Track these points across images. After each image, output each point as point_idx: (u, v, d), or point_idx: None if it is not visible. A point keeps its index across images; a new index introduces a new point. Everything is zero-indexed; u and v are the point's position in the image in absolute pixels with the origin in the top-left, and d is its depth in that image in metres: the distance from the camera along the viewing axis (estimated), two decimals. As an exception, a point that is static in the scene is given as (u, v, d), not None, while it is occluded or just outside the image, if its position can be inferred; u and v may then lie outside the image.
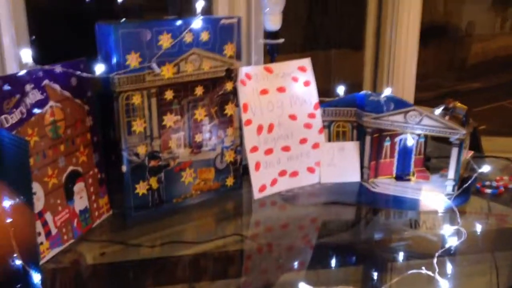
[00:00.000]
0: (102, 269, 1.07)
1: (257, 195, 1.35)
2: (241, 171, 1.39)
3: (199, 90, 1.25)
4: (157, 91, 1.18)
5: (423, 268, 0.96)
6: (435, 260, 1.02)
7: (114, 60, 1.11)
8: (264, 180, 1.37)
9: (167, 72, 1.18)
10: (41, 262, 1.03)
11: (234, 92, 1.32)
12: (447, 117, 1.33)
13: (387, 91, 1.37)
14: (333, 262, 1.10)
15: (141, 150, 1.19)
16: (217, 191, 1.35)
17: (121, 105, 1.14)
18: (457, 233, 1.17)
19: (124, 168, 1.17)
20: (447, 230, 1.19)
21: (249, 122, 1.33)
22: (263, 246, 1.17)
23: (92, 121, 1.17)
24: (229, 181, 1.37)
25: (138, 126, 1.17)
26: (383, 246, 1.18)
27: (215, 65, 1.27)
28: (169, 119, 1.22)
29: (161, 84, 1.18)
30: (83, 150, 1.15)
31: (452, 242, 1.13)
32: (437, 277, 0.96)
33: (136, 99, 1.15)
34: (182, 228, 1.23)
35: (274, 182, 1.39)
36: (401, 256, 1.12)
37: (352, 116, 1.46)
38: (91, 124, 1.17)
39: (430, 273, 0.96)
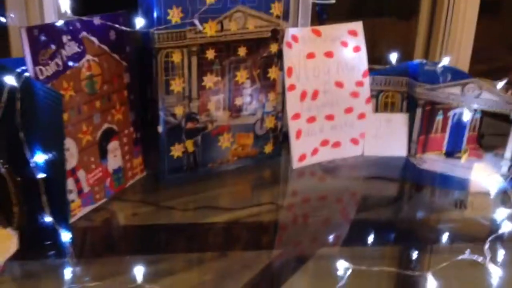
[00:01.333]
0: (133, 230, 1.05)
1: (296, 164, 1.29)
2: (280, 138, 1.33)
3: (242, 51, 1.18)
4: (198, 50, 1.12)
5: (470, 252, 0.89)
6: (486, 246, 0.95)
7: (155, 15, 1.05)
8: (305, 149, 1.30)
9: (209, 29, 1.12)
10: (72, 219, 1.01)
11: (279, 54, 1.24)
12: (509, 92, 1.22)
13: (445, 61, 1.27)
14: (370, 239, 1.03)
15: (179, 111, 1.14)
16: (254, 158, 1.30)
17: (160, 63, 1.08)
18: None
19: (160, 129, 1.13)
20: (499, 213, 1.10)
21: (292, 87, 1.26)
22: (298, 217, 1.12)
23: (129, 78, 1.13)
24: (268, 148, 1.32)
25: (176, 85, 1.12)
26: (426, 226, 1.11)
27: (261, 24, 1.19)
28: (209, 80, 1.16)
29: (202, 42, 1.12)
30: (119, 108, 1.11)
31: (506, 227, 1.04)
32: (489, 264, 0.89)
33: (176, 57, 1.10)
34: (216, 193, 1.18)
35: (315, 151, 1.32)
36: (444, 238, 1.04)
37: (403, 86, 1.37)
38: (129, 81, 1.13)
39: (481, 259, 0.89)
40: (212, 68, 1.16)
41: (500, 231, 1.02)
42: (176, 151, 1.17)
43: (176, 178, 1.19)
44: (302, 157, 1.30)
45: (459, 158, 1.37)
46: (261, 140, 1.30)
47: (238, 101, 1.22)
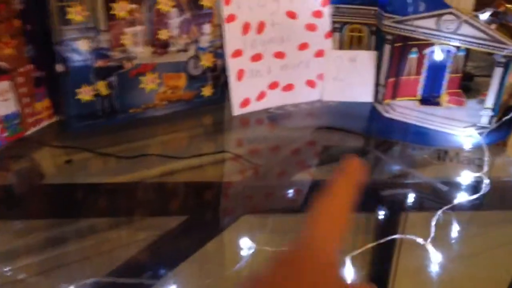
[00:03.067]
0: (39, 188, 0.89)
1: (237, 110, 1.10)
2: (222, 79, 1.13)
3: (163, -29, 0.97)
4: (101, -31, 0.91)
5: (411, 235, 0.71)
6: (433, 221, 0.76)
7: None
8: (249, 93, 1.11)
9: None
10: None
11: (214, -24, 1.02)
12: (494, 26, 0.98)
13: (417, -14, 1.03)
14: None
15: (82, 45, 0.94)
16: (190, 102, 1.11)
17: (49, -15, 0.88)
18: (478, 183, 0.88)
19: (59, 68, 0.94)
20: (464, 178, 0.90)
21: (232, 18, 1.05)
22: (247, 169, 0.94)
23: (22, 4, 0.93)
24: (207, 91, 1.12)
25: (75, 14, 0.91)
26: (371, 192, 0.92)
27: None
28: (121, 8, 0.95)
29: (106, -41, 0.91)
30: (9, 41, 0.92)
31: (465, 196, 0.85)
32: (429, 246, 0.70)
33: (71, -22, 0.89)
34: (141, 144, 1.01)
35: (261, 96, 1.12)
36: (387, 210, 0.86)
37: (371, 18, 1.14)
38: (22, 8, 0.93)
39: (420, 240, 0.71)
40: (124, -8, 0.95)
41: (456, 201, 0.83)
42: (84, 94, 0.98)
43: (88, 125, 1.01)
44: (245, 102, 1.11)
45: (437, 104, 1.16)
46: (197, 81, 1.10)
47: (162, 35, 1.02)
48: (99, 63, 0.97)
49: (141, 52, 1.01)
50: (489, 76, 1.24)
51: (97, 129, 1.01)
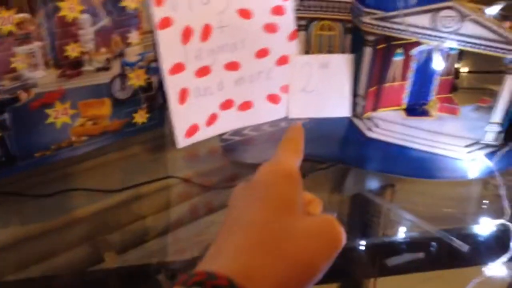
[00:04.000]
0: None
1: (182, 141, 0.85)
2: (161, 100, 0.87)
3: (64, -36, 0.68)
4: (-33, -35, 0.62)
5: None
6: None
7: None
8: (196, 117, 0.85)
9: None
10: None
11: (138, -33, 0.75)
12: (507, 24, 0.77)
13: (407, -27, 0.80)
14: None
15: (-48, 77, 0.66)
16: (118, 133, 0.84)
17: None
18: (504, 235, 0.68)
19: None
20: (483, 227, 0.70)
21: (166, 22, 0.78)
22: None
23: None
24: (140, 117, 0.86)
25: None
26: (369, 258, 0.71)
27: None
28: (6, 20, 0.67)
29: (-26, -50, 0.62)
30: None
31: (494, 256, 0.65)
32: None
33: None
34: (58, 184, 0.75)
35: (212, 119, 0.87)
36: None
37: (345, 12, 0.90)
38: None
39: None
40: (7, -3, 0.66)
41: (487, 270, 0.62)
42: (-36, 142, 0.70)
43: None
44: (192, 130, 0.85)
45: (425, 114, 0.95)
46: (125, 106, 0.83)
47: (71, 51, 0.74)
48: (-19, 98, 0.69)
49: (43, 77, 0.73)
50: (480, 72, 1.05)
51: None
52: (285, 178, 0.36)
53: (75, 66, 0.75)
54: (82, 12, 0.73)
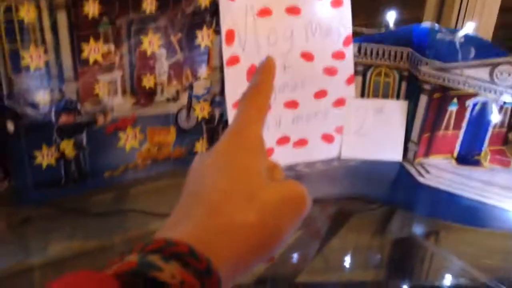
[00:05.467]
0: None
1: (239, 172, 0.89)
2: (220, 131, 0.92)
3: (149, 3, 0.75)
4: (68, 1, 0.69)
5: None
6: None
7: None
8: (253, 151, 0.90)
9: (85, -33, 0.69)
10: None
11: (214, 10, 0.81)
12: None
13: (468, 27, 0.83)
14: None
15: (42, 98, 0.72)
16: (180, 161, 0.89)
17: (-4, 22, 0.66)
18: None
19: (10, 127, 0.72)
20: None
21: (235, 60, 0.84)
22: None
23: (-37, 44, 0.71)
24: (201, 146, 0.91)
25: (33, 58, 0.70)
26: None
27: (180, -39, 0.76)
28: (94, 50, 0.74)
29: (75, -12, 0.69)
30: None
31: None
32: None
33: (26, 12, 0.67)
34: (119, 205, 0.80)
35: (269, 153, 0.91)
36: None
37: (403, 61, 0.94)
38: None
39: None
40: (98, 30, 0.73)
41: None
42: (45, 157, 0.76)
43: (48, 195, 0.79)
44: (249, 162, 0.90)
45: (477, 163, 0.96)
46: (188, 135, 0.89)
47: (147, 81, 0.80)
48: (64, 119, 0.75)
49: (120, 104, 0.79)
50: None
51: (60, 198, 0.80)
52: (247, 146, 0.35)
53: (148, 95, 0.81)
54: (160, 47, 0.79)
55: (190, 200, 0.33)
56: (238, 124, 0.36)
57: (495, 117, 0.87)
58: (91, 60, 0.74)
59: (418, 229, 0.85)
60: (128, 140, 0.82)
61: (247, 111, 0.37)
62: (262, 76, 0.38)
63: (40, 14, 0.68)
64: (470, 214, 0.84)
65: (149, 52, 0.78)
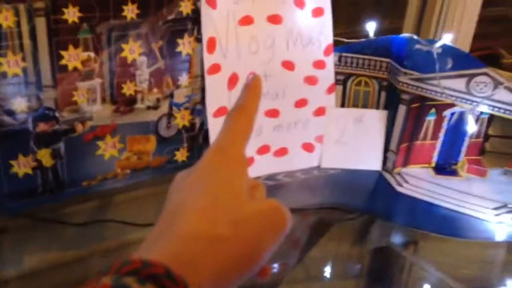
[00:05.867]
0: None
1: (219, 181, 0.88)
2: (201, 140, 0.92)
3: (130, 10, 0.74)
4: (47, 7, 0.68)
5: None
6: None
7: None
8: (234, 159, 0.89)
9: (65, -27, 0.67)
10: None
11: (195, 18, 0.81)
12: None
13: (446, 38, 0.84)
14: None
15: (19, 105, 0.71)
16: (159, 170, 0.88)
17: (-28, 27, 0.64)
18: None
19: (-14, 135, 0.70)
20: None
21: (216, 68, 0.83)
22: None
23: None
24: (181, 155, 0.90)
25: (10, 65, 0.68)
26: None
27: (162, -32, 0.75)
28: (73, 57, 0.72)
29: (55, -6, 0.68)
30: None
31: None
32: None
33: (4, 18, 0.65)
34: (95, 214, 0.79)
35: (249, 162, 0.91)
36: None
37: (382, 71, 0.95)
38: None
39: None
40: (77, 36, 0.72)
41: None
42: (21, 166, 0.74)
43: (25, 204, 0.77)
44: (229, 171, 0.89)
45: (454, 173, 0.98)
46: (169, 144, 0.88)
47: (127, 89, 0.79)
48: (42, 126, 0.74)
49: (99, 111, 0.78)
50: (509, 137, 1.08)
51: (38, 207, 0.78)
52: (229, 164, 0.35)
53: (128, 103, 0.80)
54: (141, 54, 0.78)
55: (169, 218, 0.32)
56: (221, 142, 0.36)
57: (471, 128, 0.88)
58: (70, 67, 0.72)
59: (397, 239, 0.86)
60: (107, 148, 0.81)
61: (231, 129, 0.37)
62: (247, 95, 0.39)
63: (18, 20, 0.66)
64: (447, 224, 0.85)
65: (129, 60, 0.78)
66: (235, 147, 0.36)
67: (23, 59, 0.68)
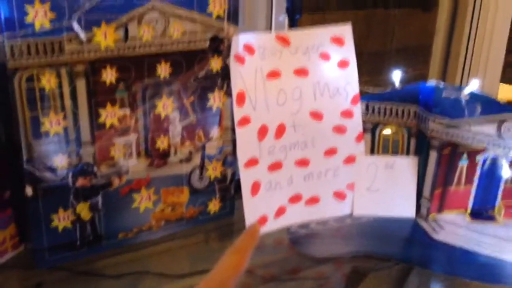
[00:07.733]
0: None
1: (252, 231, 0.89)
2: (232, 191, 0.93)
3: (163, 69, 0.79)
4: (86, 69, 0.73)
5: None
6: None
7: (2, 14, 0.66)
8: (265, 209, 0.90)
9: (103, 38, 0.72)
10: None
11: (225, 73, 0.84)
12: None
13: (473, 85, 0.85)
14: None
15: (60, 162, 0.75)
16: (192, 221, 0.90)
17: (18, 91, 0.69)
18: None
19: (28, 191, 0.74)
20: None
21: (245, 120, 0.86)
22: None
23: (-15, 112, 0.74)
24: (213, 206, 0.92)
25: (52, 124, 0.72)
26: None
27: (192, 29, 0.80)
28: (110, 114, 0.76)
29: (93, 57, 0.72)
30: (-34, 157, 0.73)
31: None
32: None
33: (47, 81, 0.70)
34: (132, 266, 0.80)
35: (280, 211, 0.92)
36: None
37: (411, 118, 0.96)
38: (-16, 116, 0.74)
39: None
40: (115, 96, 0.76)
41: None
42: (61, 220, 0.77)
43: (64, 258, 0.79)
44: (262, 221, 0.90)
45: (491, 219, 0.95)
46: (202, 195, 0.90)
47: (161, 143, 0.83)
48: (81, 181, 0.77)
49: (135, 165, 0.81)
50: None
51: (74, 261, 0.80)
52: None
53: (162, 156, 0.83)
54: (173, 110, 0.82)
55: None
56: (214, 278, 0.42)
57: (506, 173, 0.87)
58: (107, 124, 0.76)
59: (434, 287, 0.84)
60: (143, 201, 0.84)
61: (223, 266, 0.43)
62: (244, 238, 0.46)
63: (60, 82, 0.71)
64: (487, 271, 0.82)
65: (163, 115, 0.81)
66: (226, 284, 0.41)
67: (64, 118, 0.73)
